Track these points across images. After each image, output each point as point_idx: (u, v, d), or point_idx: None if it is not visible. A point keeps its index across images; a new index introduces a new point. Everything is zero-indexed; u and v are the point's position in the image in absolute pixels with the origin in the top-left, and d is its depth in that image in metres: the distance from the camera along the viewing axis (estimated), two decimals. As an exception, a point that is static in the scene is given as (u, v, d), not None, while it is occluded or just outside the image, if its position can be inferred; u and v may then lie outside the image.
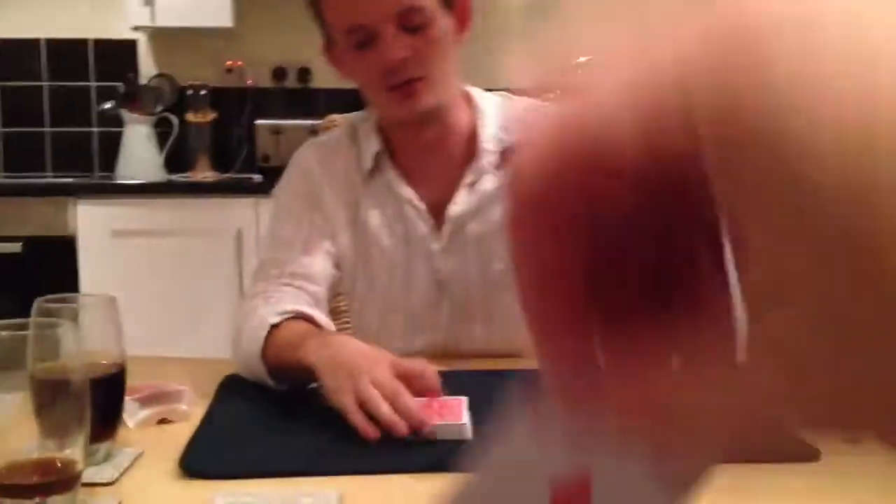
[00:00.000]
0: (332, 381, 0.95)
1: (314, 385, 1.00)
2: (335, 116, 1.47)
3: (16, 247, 2.62)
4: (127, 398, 0.94)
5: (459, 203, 1.23)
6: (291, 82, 3.25)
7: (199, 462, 0.84)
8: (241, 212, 2.73)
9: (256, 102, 3.21)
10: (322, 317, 1.15)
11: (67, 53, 3.19)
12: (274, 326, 1.09)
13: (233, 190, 2.82)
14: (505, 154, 1.25)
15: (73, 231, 2.66)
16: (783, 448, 0.86)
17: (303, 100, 3.24)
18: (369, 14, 1.13)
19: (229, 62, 3.21)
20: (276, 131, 3.00)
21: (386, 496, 0.80)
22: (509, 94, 1.30)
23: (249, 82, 3.23)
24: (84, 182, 2.84)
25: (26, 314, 0.78)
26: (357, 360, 0.95)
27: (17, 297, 2.66)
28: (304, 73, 3.24)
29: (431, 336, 1.26)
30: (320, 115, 3.17)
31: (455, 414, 0.91)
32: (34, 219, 2.66)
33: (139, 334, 2.71)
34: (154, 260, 2.71)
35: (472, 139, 1.24)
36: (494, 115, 1.26)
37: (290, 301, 1.15)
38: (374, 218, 1.26)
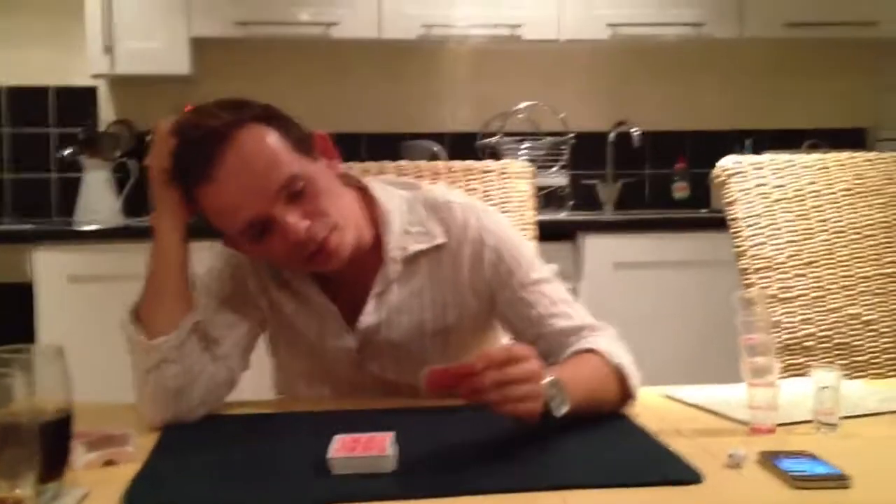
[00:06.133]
0: None
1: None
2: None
3: (-28, 293, 2.66)
4: (75, 441, 1.00)
5: (368, 314, 1.26)
6: (249, 128, 3.31)
7: (141, 496, 0.91)
8: (197, 255, 2.77)
9: (214, 148, 3.27)
10: None
11: (28, 100, 3.25)
12: None
13: (190, 235, 2.86)
14: (408, 260, 1.26)
15: (29, 277, 2.70)
16: (666, 471, 0.94)
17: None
18: (256, 206, 1.13)
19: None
20: (233, 176, 3.05)
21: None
22: (411, 186, 1.32)
23: (207, 128, 3.29)
24: (41, 229, 2.88)
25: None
26: None
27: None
28: (261, 119, 3.31)
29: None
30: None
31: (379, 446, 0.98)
32: (-9, 265, 2.70)
33: (95, 380, 2.73)
34: (111, 305, 2.74)
35: (377, 245, 1.25)
36: (399, 218, 1.26)
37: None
38: (291, 310, 1.30)
